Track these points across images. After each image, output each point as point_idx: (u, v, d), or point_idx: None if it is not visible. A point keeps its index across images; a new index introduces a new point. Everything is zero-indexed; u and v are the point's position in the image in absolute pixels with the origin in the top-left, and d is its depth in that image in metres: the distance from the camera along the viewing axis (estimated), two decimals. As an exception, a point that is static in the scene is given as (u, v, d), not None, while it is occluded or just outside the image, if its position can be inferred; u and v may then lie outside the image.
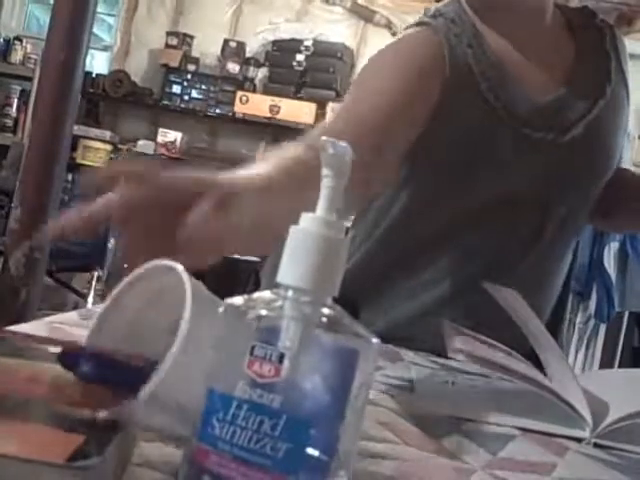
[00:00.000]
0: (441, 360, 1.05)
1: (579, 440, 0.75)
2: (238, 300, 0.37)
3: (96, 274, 4.07)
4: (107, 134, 4.97)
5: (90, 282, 4.13)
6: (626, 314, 4.32)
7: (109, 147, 4.85)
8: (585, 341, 4.27)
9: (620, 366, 4.42)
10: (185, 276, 0.42)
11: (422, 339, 1.07)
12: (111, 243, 4.10)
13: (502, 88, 1.01)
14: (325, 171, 0.37)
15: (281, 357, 0.35)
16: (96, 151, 4.78)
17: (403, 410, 0.76)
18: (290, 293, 0.37)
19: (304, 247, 0.37)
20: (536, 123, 1.01)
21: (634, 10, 4.80)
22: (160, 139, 5.01)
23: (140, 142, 5.00)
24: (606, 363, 4.32)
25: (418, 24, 1.05)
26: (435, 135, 0.99)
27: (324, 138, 0.35)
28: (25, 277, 1.97)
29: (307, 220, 0.37)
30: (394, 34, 5.06)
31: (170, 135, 5.02)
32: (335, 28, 5.12)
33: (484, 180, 1.02)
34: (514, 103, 1.01)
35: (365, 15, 5.13)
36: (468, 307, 1.08)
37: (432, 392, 0.86)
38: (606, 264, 3.98)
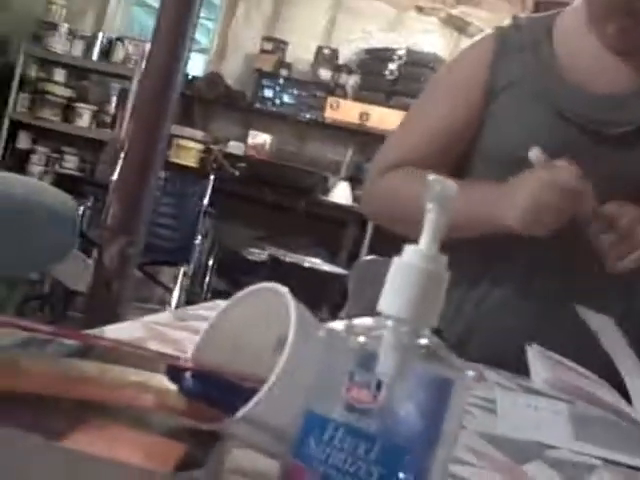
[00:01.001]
0: (525, 382, 1.04)
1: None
2: (339, 325, 0.39)
3: (182, 269, 4.17)
4: (199, 134, 5.08)
5: (176, 277, 4.23)
6: None
7: (201, 147, 4.95)
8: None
9: None
10: (290, 299, 0.43)
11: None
12: (198, 240, 4.20)
13: (552, 84, 1.07)
14: (430, 205, 0.38)
15: (379, 384, 0.37)
16: (188, 150, 4.89)
17: (486, 432, 0.76)
18: (390, 322, 0.38)
19: (406, 279, 0.38)
20: (587, 114, 1.05)
21: None
22: (250, 141, 5.09)
23: (231, 143, 5.09)
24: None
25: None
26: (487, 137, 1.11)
27: (432, 177, 0.36)
28: (118, 270, 2.04)
29: (410, 253, 0.39)
30: (489, 44, 5.00)
31: (260, 137, 5.10)
32: (428, 38, 5.10)
33: None
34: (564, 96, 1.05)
35: (459, 26, 5.10)
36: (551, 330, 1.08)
37: (515, 415, 0.86)
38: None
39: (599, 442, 0.80)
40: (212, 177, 4.32)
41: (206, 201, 4.27)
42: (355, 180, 4.73)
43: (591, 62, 1.09)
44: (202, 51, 5.69)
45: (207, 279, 4.52)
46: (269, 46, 5.16)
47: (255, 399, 0.40)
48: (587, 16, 1.09)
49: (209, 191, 4.29)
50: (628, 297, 1.12)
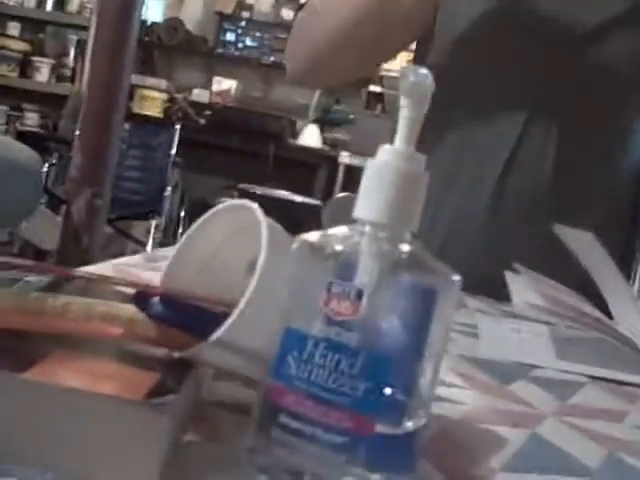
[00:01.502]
0: (505, 307, 1.03)
1: (651, 388, 0.74)
2: (313, 236, 0.36)
3: (154, 222, 4.12)
4: (162, 83, 4.97)
5: (148, 230, 4.18)
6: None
7: (165, 96, 4.86)
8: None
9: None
10: (261, 215, 0.41)
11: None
12: (168, 192, 4.14)
13: None
14: (403, 100, 0.35)
15: (359, 294, 0.34)
16: (152, 100, 4.79)
17: (469, 355, 0.75)
18: (367, 228, 0.36)
19: (382, 180, 0.35)
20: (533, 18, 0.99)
21: None
22: (215, 87, 5.00)
23: (195, 91, 4.99)
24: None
25: None
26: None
27: (405, 65, 0.33)
28: (87, 224, 2.00)
29: (385, 152, 0.36)
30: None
31: (225, 83, 5.01)
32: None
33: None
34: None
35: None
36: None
37: (497, 338, 0.85)
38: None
39: (582, 360, 0.79)
40: (178, 127, 4.25)
41: (173, 151, 4.20)
42: (324, 122, 4.68)
43: None
44: (160, -3, 5.54)
45: (180, 230, 4.48)
46: (228, -12, 5.04)
47: (227, 322, 0.37)
48: None
49: (176, 141, 4.22)
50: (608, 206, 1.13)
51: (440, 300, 0.36)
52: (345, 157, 4.32)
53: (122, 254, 4.24)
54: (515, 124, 1.08)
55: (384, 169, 0.35)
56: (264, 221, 0.40)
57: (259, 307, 0.38)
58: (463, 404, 0.57)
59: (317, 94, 4.86)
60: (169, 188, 4.19)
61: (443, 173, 1.13)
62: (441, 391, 0.59)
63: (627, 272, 1.12)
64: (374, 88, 4.67)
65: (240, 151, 4.51)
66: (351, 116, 4.62)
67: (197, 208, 4.68)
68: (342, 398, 0.34)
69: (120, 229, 4.16)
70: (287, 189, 4.06)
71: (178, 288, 0.44)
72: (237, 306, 0.38)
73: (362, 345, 0.34)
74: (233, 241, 0.45)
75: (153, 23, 5.16)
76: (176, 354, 0.39)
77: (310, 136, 4.64)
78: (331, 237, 0.36)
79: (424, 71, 0.34)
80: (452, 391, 0.60)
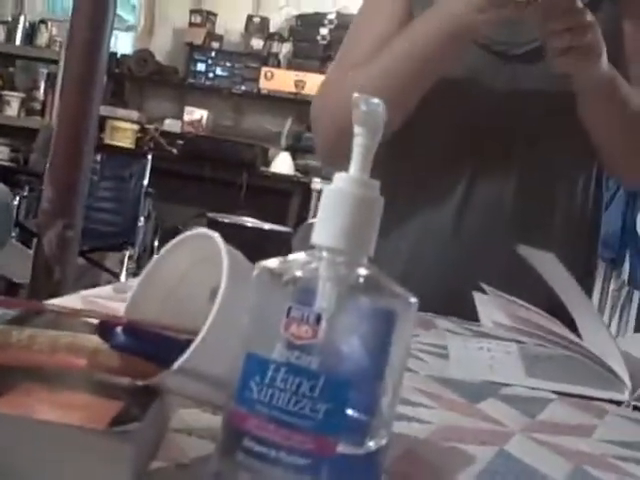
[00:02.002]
0: (475, 327, 1.04)
1: (618, 403, 0.75)
2: (272, 263, 0.37)
3: (127, 253, 4.10)
4: (134, 114, 4.98)
5: (122, 261, 4.16)
6: (660, 281, 4.27)
7: (136, 127, 4.86)
8: (619, 308, 4.24)
9: (655, 333, 4.38)
10: (222, 244, 0.41)
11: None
12: (141, 222, 4.13)
13: None
14: (357, 129, 0.36)
15: (318, 318, 0.35)
16: (123, 131, 4.79)
17: (438, 376, 0.75)
18: (325, 254, 0.37)
19: (338, 207, 0.36)
20: (496, 35, 1.07)
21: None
22: (186, 117, 5.01)
23: (167, 121, 5.01)
24: (641, 330, 4.28)
25: None
26: None
27: (356, 95, 0.35)
28: (58, 256, 2.00)
29: (341, 180, 0.37)
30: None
31: (196, 113, 5.03)
32: (359, 0, 5.07)
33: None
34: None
35: (389, -15, 5.07)
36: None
37: (467, 358, 0.86)
38: (639, 230, 3.93)
39: (551, 377, 0.80)
40: (150, 157, 4.25)
41: (146, 182, 4.20)
42: (295, 150, 4.71)
43: None
44: (129, 29, 5.56)
45: (153, 260, 4.46)
46: (198, 19, 5.08)
47: (189, 350, 0.38)
48: None
49: (148, 171, 4.22)
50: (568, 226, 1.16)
51: (399, 322, 0.37)
52: (317, 183, 4.34)
53: (96, 285, 4.20)
54: (477, 144, 1.11)
55: (339, 196, 0.36)
56: (224, 249, 0.40)
57: (221, 334, 0.39)
58: (430, 423, 0.58)
59: (289, 122, 4.89)
60: (142, 218, 4.18)
61: (407, 192, 1.14)
62: (408, 411, 0.60)
63: (586, 289, 1.14)
64: (345, 114, 4.71)
65: (213, 180, 4.52)
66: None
67: (170, 237, 4.63)
68: (304, 421, 0.35)
69: (93, 260, 4.14)
70: (260, 217, 4.07)
71: (142, 317, 0.44)
72: (199, 334, 0.38)
73: (322, 368, 0.35)
74: (197, 269, 0.45)
75: (123, 55, 5.17)
76: (140, 383, 0.40)
77: (282, 163, 4.66)
78: (290, 263, 0.37)
79: (376, 100, 0.35)
80: (419, 411, 0.61)
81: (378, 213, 0.37)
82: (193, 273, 0.46)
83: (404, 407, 0.61)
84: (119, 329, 0.41)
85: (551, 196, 1.16)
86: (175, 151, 4.71)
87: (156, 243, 4.50)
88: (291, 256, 0.37)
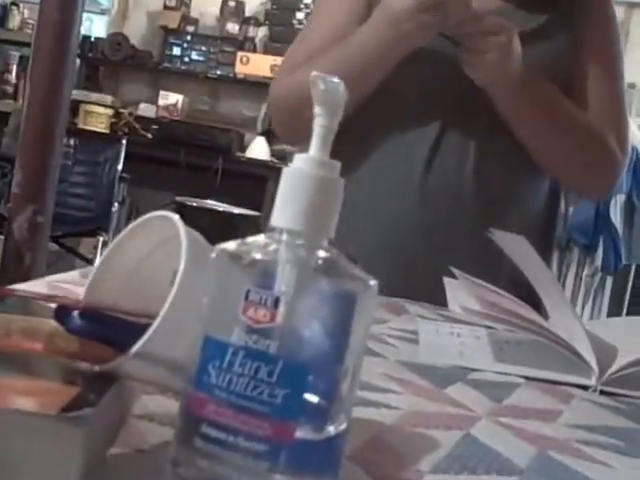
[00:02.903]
0: (446, 312, 1.04)
1: (585, 388, 0.75)
2: (231, 245, 0.36)
3: (102, 239, 4.07)
4: (108, 98, 4.93)
5: (96, 247, 4.13)
6: (633, 266, 4.32)
7: (110, 111, 4.81)
8: (592, 293, 4.28)
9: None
10: (181, 226, 0.41)
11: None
12: (115, 207, 4.10)
13: None
14: (317, 109, 0.36)
15: (276, 301, 0.34)
16: (97, 116, 4.74)
17: (408, 361, 0.75)
18: (284, 236, 0.36)
19: (297, 188, 0.36)
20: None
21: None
22: (161, 102, 4.96)
23: (141, 105, 4.96)
24: (613, 315, 4.32)
25: None
26: None
27: (314, 73, 0.34)
28: (29, 241, 1.97)
29: (300, 160, 0.36)
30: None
31: (171, 98, 4.98)
32: (335, -16, 5.04)
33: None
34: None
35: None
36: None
37: (437, 343, 0.86)
38: (612, 217, 3.96)
39: (519, 362, 0.80)
40: (124, 142, 4.21)
41: (120, 167, 4.16)
42: (272, 135, 4.68)
43: None
44: (104, 12, 5.50)
45: (128, 246, 4.42)
46: (172, 2, 5.02)
47: (147, 334, 0.37)
48: None
49: (122, 156, 4.18)
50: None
51: (359, 305, 0.36)
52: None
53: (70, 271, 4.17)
54: (433, 126, 1.12)
55: (299, 177, 0.36)
56: (183, 231, 0.39)
57: (180, 317, 0.38)
58: (398, 409, 0.58)
59: (264, 107, 4.86)
60: (116, 204, 4.14)
61: (369, 181, 1.15)
62: (377, 397, 0.60)
63: None
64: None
65: (188, 165, 4.48)
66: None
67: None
68: (262, 406, 0.34)
69: (67, 246, 4.10)
70: (236, 202, 4.05)
71: (102, 301, 0.43)
72: (156, 318, 0.38)
73: (281, 352, 0.34)
74: (158, 252, 0.45)
75: (97, 39, 5.11)
76: (97, 368, 0.39)
77: (258, 149, 4.64)
78: (249, 245, 0.36)
79: (335, 80, 0.35)
80: (387, 396, 0.61)
81: (339, 194, 0.36)
82: (154, 256, 0.45)
83: (373, 393, 0.60)
84: (76, 313, 0.40)
85: (507, 186, 1.17)
86: (150, 136, 4.67)
87: (130, 228, 4.46)
88: (250, 238, 0.37)
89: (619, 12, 4.89)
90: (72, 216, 3.98)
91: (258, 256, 0.36)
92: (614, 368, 0.76)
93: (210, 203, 0.89)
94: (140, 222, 0.43)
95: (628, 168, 3.91)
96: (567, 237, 3.99)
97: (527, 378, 0.76)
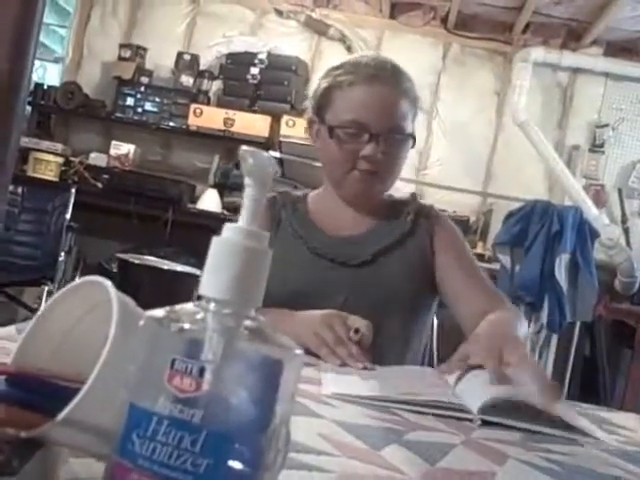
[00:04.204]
0: None
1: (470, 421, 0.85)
2: (159, 313, 0.37)
3: (47, 288, 3.99)
4: (59, 147, 4.89)
5: (41, 297, 4.05)
6: (577, 324, 4.39)
7: (61, 160, 4.77)
8: (538, 351, 4.32)
9: (572, 375, 4.48)
10: (113, 292, 0.41)
11: None
12: (62, 257, 4.04)
13: (309, 234, 1.46)
14: (247, 181, 0.37)
15: (202, 370, 0.35)
16: (47, 164, 4.69)
17: (346, 422, 0.76)
18: (212, 305, 0.37)
19: (225, 258, 0.36)
20: (329, 251, 1.43)
21: (582, 26, 4.90)
22: (113, 152, 4.94)
23: (92, 155, 4.92)
24: (558, 372, 4.37)
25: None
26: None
27: (244, 148, 0.35)
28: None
29: (229, 230, 0.37)
30: (348, 48, 5.08)
31: (123, 148, 4.96)
32: (289, 42, 5.13)
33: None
34: (312, 240, 1.45)
35: (319, 29, 5.15)
36: None
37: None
38: (557, 275, 4.03)
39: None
40: (73, 190, 4.17)
41: (68, 215, 4.11)
42: (223, 187, 4.69)
43: (336, 215, 1.48)
44: (57, 60, 5.50)
45: (74, 296, 4.34)
46: (127, 53, 5.04)
47: (74, 401, 0.37)
48: (330, 183, 1.47)
49: (71, 205, 4.14)
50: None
51: (285, 373, 0.37)
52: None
53: (13, 321, 4.07)
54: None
55: (227, 246, 0.36)
56: (115, 297, 0.40)
57: (108, 384, 0.38)
58: (330, 472, 0.58)
59: (217, 159, 4.88)
60: (63, 253, 4.08)
61: None
62: (311, 459, 0.60)
63: None
64: (273, 153, 4.72)
65: (138, 215, 4.45)
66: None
67: (94, 273, 4.54)
68: (185, 475, 0.34)
69: (11, 295, 4.02)
70: (186, 254, 4.03)
71: (32, 364, 0.43)
72: (85, 384, 0.37)
73: (205, 421, 0.35)
74: (91, 317, 0.45)
75: (50, 87, 5.10)
76: (23, 434, 0.39)
77: (210, 201, 4.63)
78: (177, 313, 0.37)
79: (264, 154, 0.36)
80: (321, 459, 0.61)
81: (266, 264, 0.37)
82: (86, 320, 0.45)
83: (307, 455, 0.61)
84: (2, 378, 0.40)
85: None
86: (100, 185, 4.63)
87: (77, 279, 4.39)
88: (178, 306, 0.37)
89: (563, 77, 5.07)
90: (17, 264, 3.91)
91: (186, 325, 0.36)
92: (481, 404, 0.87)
93: (153, 260, 0.89)
94: (72, 286, 0.44)
95: (572, 228, 4.01)
96: (513, 295, 4.04)
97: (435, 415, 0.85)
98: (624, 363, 4.54)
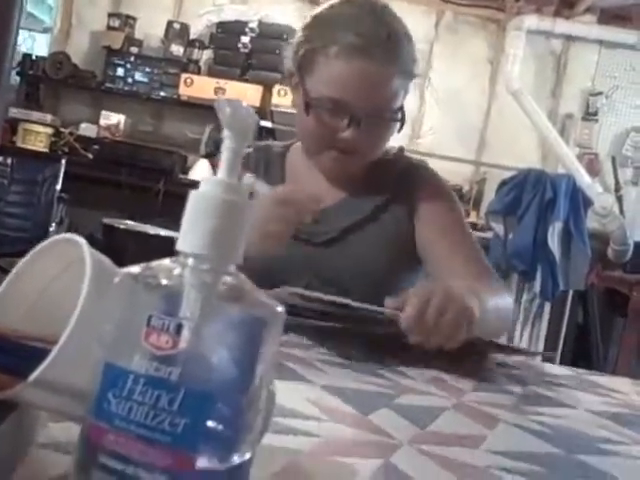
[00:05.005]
0: None
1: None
2: (135, 269, 0.35)
3: (38, 260, 3.97)
4: (48, 117, 4.84)
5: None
6: (570, 292, 4.40)
7: (50, 130, 4.73)
8: (531, 319, 4.34)
9: (565, 343, 4.50)
10: (86, 249, 0.39)
11: None
12: (52, 228, 4.02)
13: None
14: (226, 132, 0.35)
15: (179, 327, 0.33)
16: (37, 135, 4.65)
17: (335, 386, 0.75)
18: (190, 261, 0.35)
19: (203, 211, 0.35)
20: (303, 229, 1.23)
21: (576, -8, 4.86)
22: (103, 122, 4.90)
23: (82, 125, 4.88)
24: (551, 340, 4.39)
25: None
26: None
27: (222, 99, 0.33)
28: (-42, 263, 1.91)
29: (207, 183, 0.35)
30: (340, 16, 5.02)
31: (113, 118, 4.92)
32: (281, 10, 5.07)
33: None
34: None
35: (311, -4, 5.10)
36: None
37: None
38: (550, 244, 4.03)
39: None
40: (63, 161, 4.14)
41: (59, 187, 4.09)
42: (215, 157, 4.66)
43: (309, 180, 1.33)
44: (46, 30, 5.43)
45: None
46: (116, 22, 4.98)
47: (46, 361, 0.36)
48: (303, 150, 1.34)
49: (61, 176, 4.11)
50: None
51: (266, 331, 0.35)
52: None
53: (5, 294, 4.04)
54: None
55: (205, 200, 0.35)
56: (88, 255, 0.38)
57: (81, 343, 0.37)
58: (318, 437, 0.57)
59: (208, 129, 4.84)
60: (54, 224, 4.06)
61: None
62: (297, 424, 0.59)
63: None
64: (265, 123, 4.69)
65: (129, 186, 4.43)
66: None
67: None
68: (162, 435, 0.33)
69: (2, 267, 4.00)
70: (178, 225, 4.01)
71: (6, 326, 0.42)
72: (57, 343, 0.36)
73: (183, 380, 0.33)
74: (64, 276, 0.43)
75: (38, 57, 5.04)
76: (-4, 396, 0.37)
77: (202, 171, 4.61)
78: (154, 270, 0.35)
79: (243, 104, 0.34)
80: (308, 424, 0.60)
81: (246, 218, 0.36)
82: (60, 279, 0.44)
83: (295, 420, 0.60)
84: (-26, 339, 0.38)
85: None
86: (91, 156, 4.60)
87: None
88: (155, 262, 0.36)
89: (557, 45, 5.04)
90: (8, 236, 3.89)
91: (163, 281, 0.35)
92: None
93: (138, 225, 0.87)
94: (46, 245, 0.42)
95: (565, 196, 4.00)
96: (506, 264, 4.05)
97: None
98: (616, 331, 4.56)
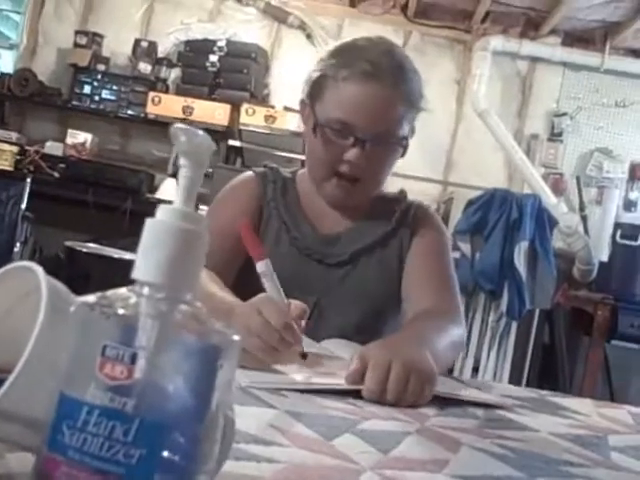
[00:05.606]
0: None
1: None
2: (91, 298, 0.35)
3: (2, 280, 3.92)
4: (13, 135, 4.78)
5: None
6: (536, 312, 4.43)
7: (15, 149, 4.67)
8: (497, 339, 4.36)
9: (532, 362, 4.53)
10: (42, 277, 0.39)
11: None
12: (17, 248, 3.96)
13: (294, 224, 1.38)
14: (182, 160, 0.35)
15: (134, 357, 0.33)
16: (1, 153, 4.59)
17: (298, 411, 0.74)
18: (146, 290, 0.35)
19: (159, 240, 0.35)
20: (308, 246, 1.36)
21: (541, 15, 4.93)
22: (70, 141, 4.85)
23: (48, 144, 4.83)
24: (518, 359, 4.42)
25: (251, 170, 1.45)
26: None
27: (176, 125, 0.33)
28: None
29: (163, 212, 0.35)
30: (308, 35, 5.06)
31: (80, 137, 4.87)
32: (249, 29, 5.08)
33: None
34: (296, 230, 1.38)
35: (279, 16, 5.12)
36: None
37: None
38: (516, 263, 4.06)
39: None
40: (29, 180, 4.09)
41: (24, 205, 4.04)
42: (182, 176, 4.64)
43: (321, 207, 1.39)
44: (12, 47, 5.38)
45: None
46: (83, 40, 4.95)
47: (1, 390, 0.35)
48: (310, 177, 1.39)
49: (26, 195, 4.06)
50: None
51: (222, 360, 0.35)
52: (204, 211, 4.28)
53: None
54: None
55: (161, 228, 0.35)
56: (45, 283, 0.38)
57: (37, 373, 0.36)
58: (280, 463, 0.56)
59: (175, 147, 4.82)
60: (18, 244, 4.01)
61: None
62: (260, 450, 0.58)
63: None
64: (233, 142, 4.69)
65: (96, 205, 4.39)
66: (209, 170, 4.60)
67: (50, 264, 4.49)
68: (117, 467, 0.33)
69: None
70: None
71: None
72: (12, 373, 0.36)
73: (138, 410, 0.33)
74: (21, 305, 0.43)
75: (3, 74, 4.99)
76: (-53, 427, 0.37)
77: (169, 190, 4.58)
78: (110, 299, 0.35)
79: (198, 132, 0.34)
80: (271, 449, 0.59)
81: (202, 247, 0.36)
82: (18, 308, 0.43)
83: (257, 446, 0.59)
84: None
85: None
86: (57, 175, 4.55)
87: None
88: (111, 291, 0.35)
89: (522, 66, 5.11)
90: (-30, 256, 3.83)
91: (119, 310, 0.35)
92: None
93: (101, 249, 0.86)
94: (2, 273, 0.42)
95: (531, 216, 4.04)
96: (473, 283, 4.07)
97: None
98: (582, 350, 4.60)
